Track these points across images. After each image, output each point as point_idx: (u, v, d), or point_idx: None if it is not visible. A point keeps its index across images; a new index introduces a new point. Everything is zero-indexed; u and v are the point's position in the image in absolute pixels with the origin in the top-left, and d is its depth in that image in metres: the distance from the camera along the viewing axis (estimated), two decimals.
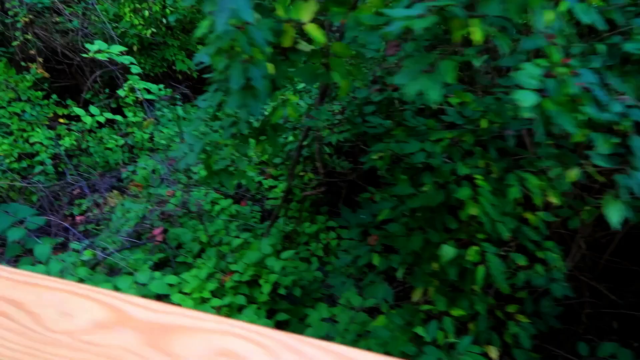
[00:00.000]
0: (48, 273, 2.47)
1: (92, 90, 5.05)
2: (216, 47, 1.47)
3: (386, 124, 2.36)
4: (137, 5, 5.21)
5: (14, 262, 2.77)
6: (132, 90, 3.89)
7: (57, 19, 4.61)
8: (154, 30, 5.20)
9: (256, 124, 2.17)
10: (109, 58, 3.12)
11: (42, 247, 2.50)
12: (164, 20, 5.17)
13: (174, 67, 5.74)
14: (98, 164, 4.71)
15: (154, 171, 3.75)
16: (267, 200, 4.04)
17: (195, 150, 1.91)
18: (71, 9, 4.58)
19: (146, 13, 5.13)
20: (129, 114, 3.94)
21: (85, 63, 4.90)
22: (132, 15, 5.22)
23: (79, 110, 3.55)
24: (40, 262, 2.57)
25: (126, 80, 4.07)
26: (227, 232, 3.29)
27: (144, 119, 3.87)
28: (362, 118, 2.46)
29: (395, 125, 2.28)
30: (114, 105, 5.31)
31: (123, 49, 3.31)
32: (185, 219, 3.39)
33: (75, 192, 4.11)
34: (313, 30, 1.45)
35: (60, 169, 4.55)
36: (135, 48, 5.35)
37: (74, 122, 4.81)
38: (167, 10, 5.15)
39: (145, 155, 4.12)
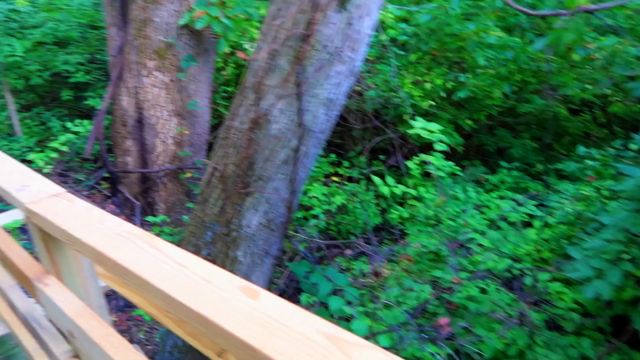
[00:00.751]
0: None
1: (363, 154, 5.25)
2: None
3: None
4: (419, 78, 5.33)
5: None
6: (423, 163, 3.84)
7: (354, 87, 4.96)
8: (431, 102, 5.23)
9: None
10: (429, 141, 3.07)
11: (360, 324, 2.44)
12: (444, 94, 5.16)
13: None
14: (359, 227, 4.80)
15: (436, 252, 3.59)
16: (555, 309, 3.51)
17: (610, 280, 1.59)
18: (372, 79, 4.88)
19: (427, 86, 5.19)
20: (422, 189, 3.91)
21: (366, 128, 5.14)
22: (411, 86, 5.35)
23: (376, 179, 3.60)
24: None
25: (410, 150, 4.08)
26: (530, 345, 2.88)
27: (438, 196, 3.79)
28: None
29: None
30: (374, 168, 5.45)
31: (440, 127, 3.27)
32: (475, 315, 3.10)
33: (346, 253, 4.18)
34: None
35: (328, 225, 4.74)
36: (406, 117, 5.45)
37: (345, 182, 5.04)
38: (449, 85, 5.13)
39: (419, 229, 4.01)
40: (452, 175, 4.17)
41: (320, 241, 4.02)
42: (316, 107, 2.39)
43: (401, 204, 5.10)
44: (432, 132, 3.19)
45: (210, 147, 6.10)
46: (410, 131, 3.15)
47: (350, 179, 5.49)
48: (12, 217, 4.27)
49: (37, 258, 1.66)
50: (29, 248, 4.07)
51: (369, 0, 2.24)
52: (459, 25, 4.64)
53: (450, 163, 3.86)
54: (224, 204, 2.54)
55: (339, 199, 4.81)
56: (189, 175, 5.45)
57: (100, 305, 1.61)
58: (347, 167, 5.36)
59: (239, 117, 2.45)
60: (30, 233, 1.55)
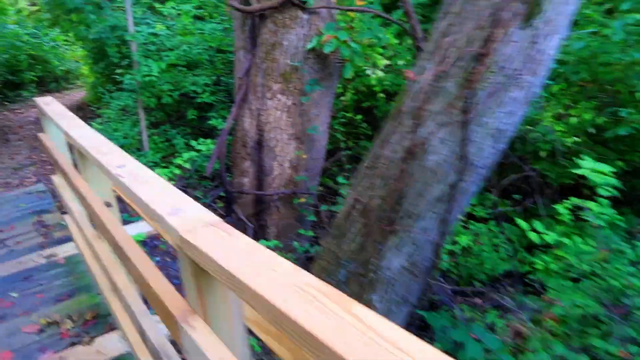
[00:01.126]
0: None
1: (491, 191, 4.76)
2: None
3: None
4: (562, 111, 4.77)
5: None
6: (577, 207, 3.31)
7: None
8: (576, 138, 4.63)
9: None
10: (570, 183, 2.58)
11: None
12: (593, 130, 4.54)
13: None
14: (484, 272, 4.30)
15: (584, 315, 3.01)
16: None
17: None
18: None
19: (573, 120, 4.61)
20: (578, 240, 3.39)
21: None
22: (552, 120, 4.80)
23: (522, 224, 3.14)
24: None
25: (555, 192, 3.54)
26: None
27: (600, 249, 3.24)
28: None
29: None
30: (500, 208, 4.92)
31: (611, 169, 2.76)
32: None
33: (475, 301, 3.72)
34: None
35: (449, 267, 4.31)
36: (543, 154, 4.88)
37: (471, 221, 4.58)
38: (600, 120, 4.51)
39: (562, 283, 3.44)
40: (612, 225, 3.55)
41: (448, 286, 3.61)
42: (483, 138, 2.06)
43: (529, 250, 4.52)
44: (603, 174, 2.69)
45: (324, 172, 5.96)
46: (578, 171, 2.69)
47: (473, 217, 5.01)
48: (137, 229, 4.36)
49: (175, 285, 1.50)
50: None
51: (559, 15, 1.88)
52: (620, 53, 4.06)
53: (612, 211, 3.28)
54: (364, 240, 2.27)
55: (464, 239, 4.37)
56: (302, 200, 5.32)
57: (245, 356, 1.39)
58: (472, 205, 4.90)
59: (391, 145, 2.18)
60: (179, 264, 1.38)
